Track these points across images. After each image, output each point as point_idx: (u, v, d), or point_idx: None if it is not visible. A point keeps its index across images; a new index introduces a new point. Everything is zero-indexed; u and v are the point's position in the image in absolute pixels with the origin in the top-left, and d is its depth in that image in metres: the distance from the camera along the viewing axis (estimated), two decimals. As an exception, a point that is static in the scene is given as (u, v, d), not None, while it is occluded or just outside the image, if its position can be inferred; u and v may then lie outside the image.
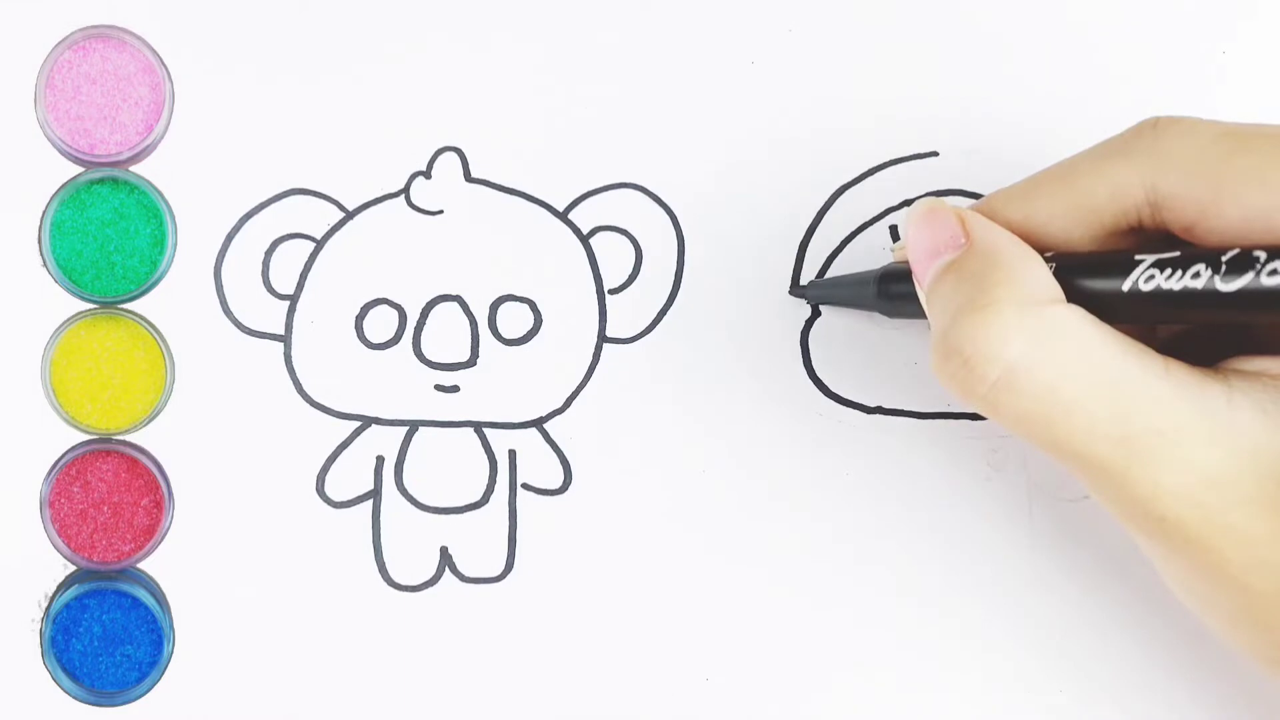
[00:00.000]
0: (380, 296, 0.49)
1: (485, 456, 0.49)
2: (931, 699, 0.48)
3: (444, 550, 0.49)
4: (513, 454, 0.49)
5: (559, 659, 0.48)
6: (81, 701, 0.48)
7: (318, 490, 0.49)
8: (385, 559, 0.49)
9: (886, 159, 0.49)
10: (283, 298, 0.49)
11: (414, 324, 0.49)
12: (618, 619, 0.48)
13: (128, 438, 0.49)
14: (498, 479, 0.49)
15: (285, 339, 0.49)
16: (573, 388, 0.49)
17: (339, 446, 0.49)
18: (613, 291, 0.49)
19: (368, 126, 0.49)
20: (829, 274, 0.49)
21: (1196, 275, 0.37)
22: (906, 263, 0.43)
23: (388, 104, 0.49)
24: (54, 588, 0.48)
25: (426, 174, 0.49)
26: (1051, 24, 0.49)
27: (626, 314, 0.49)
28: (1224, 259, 0.37)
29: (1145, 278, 0.38)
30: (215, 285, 0.49)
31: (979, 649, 0.48)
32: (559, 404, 0.49)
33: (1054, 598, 0.48)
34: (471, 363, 0.49)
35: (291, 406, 0.49)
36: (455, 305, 0.49)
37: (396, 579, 0.49)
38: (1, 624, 0.48)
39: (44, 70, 0.48)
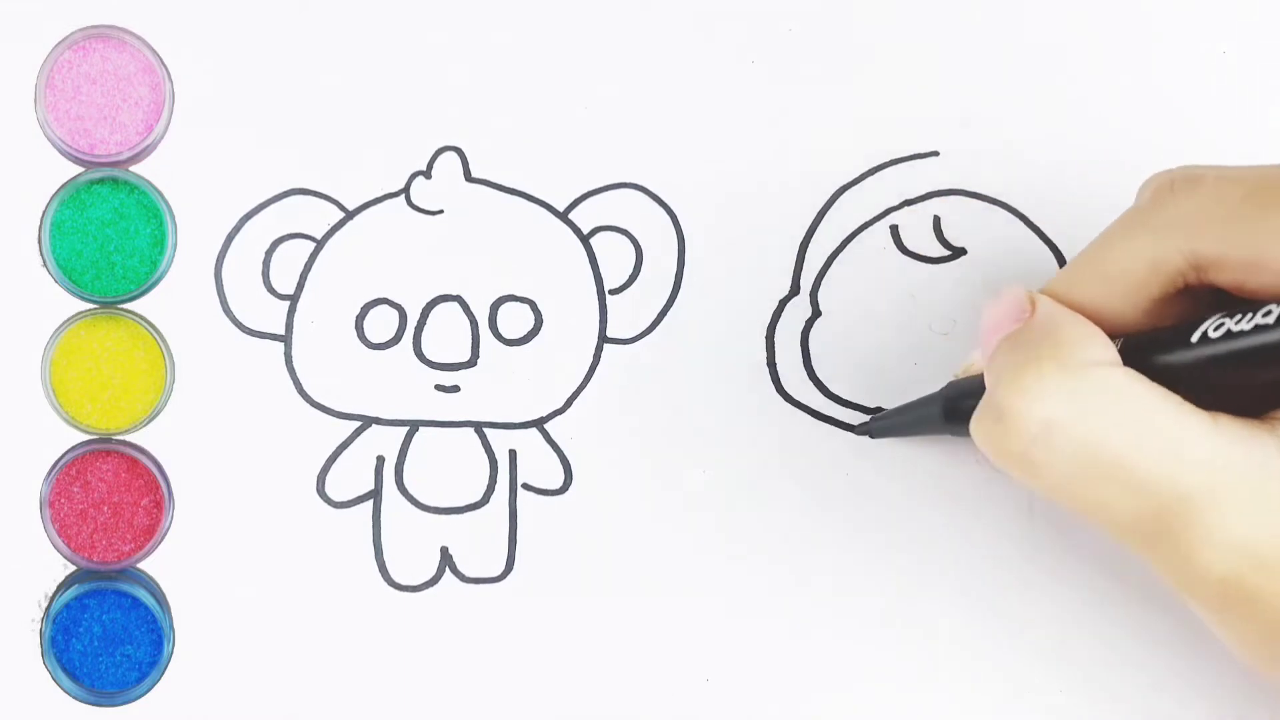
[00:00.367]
0: (380, 296, 0.49)
1: (485, 456, 0.49)
2: (931, 699, 0.48)
3: (444, 550, 0.49)
4: (513, 454, 0.49)
5: (559, 659, 0.48)
6: (81, 701, 0.48)
7: (318, 490, 0.48)
8: (385, 559, 0.49)
9: (886, 159, 0.49)
10: (283, 298, 0.49)
11: (414, 324, 0.49)
12: (618, 619, 0.48)
13: (128, 438, 0.49)
14: (498, 479, 0.49)
15: (285, 339, 0.49)
16: (573, 388, 0.49)
17: (339, 446, 0.49)
18: (613, 291, 0.49)
19: (368, 126, 0.49)
20: (833, 270, 0.49)
21: (1269, 313, 0.36)
22: (970, 378, 0.43)
23: (388, 104, 0.49)
24: (54, 588, 0.48)
25: (426, 174, 0.49)
26: (1051, 24, 0.49)
27: (626, 314, 0.49)
28: None
29: (1214, 326, 0.37)
30: (215, 285, 0.49)
31: (979, 649, 0.48)
32: (559, 404, 0.49)
33: (1054, 598, 0.48)
34: (472, 363, 0.49)
35: (292, 406, 0.49)
36: (455, 305, 0.49)
37: (396, 579, 0.49)
38: (1, 624, 0.48)
39: (44, 70, 0.48)
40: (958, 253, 0.49)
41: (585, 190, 0.49)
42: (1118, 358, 0.39)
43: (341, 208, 0.49)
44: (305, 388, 0.49)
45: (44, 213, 0.48)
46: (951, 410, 0.45)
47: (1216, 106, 0.49)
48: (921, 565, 0.48)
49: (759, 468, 0.49)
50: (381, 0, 0.49)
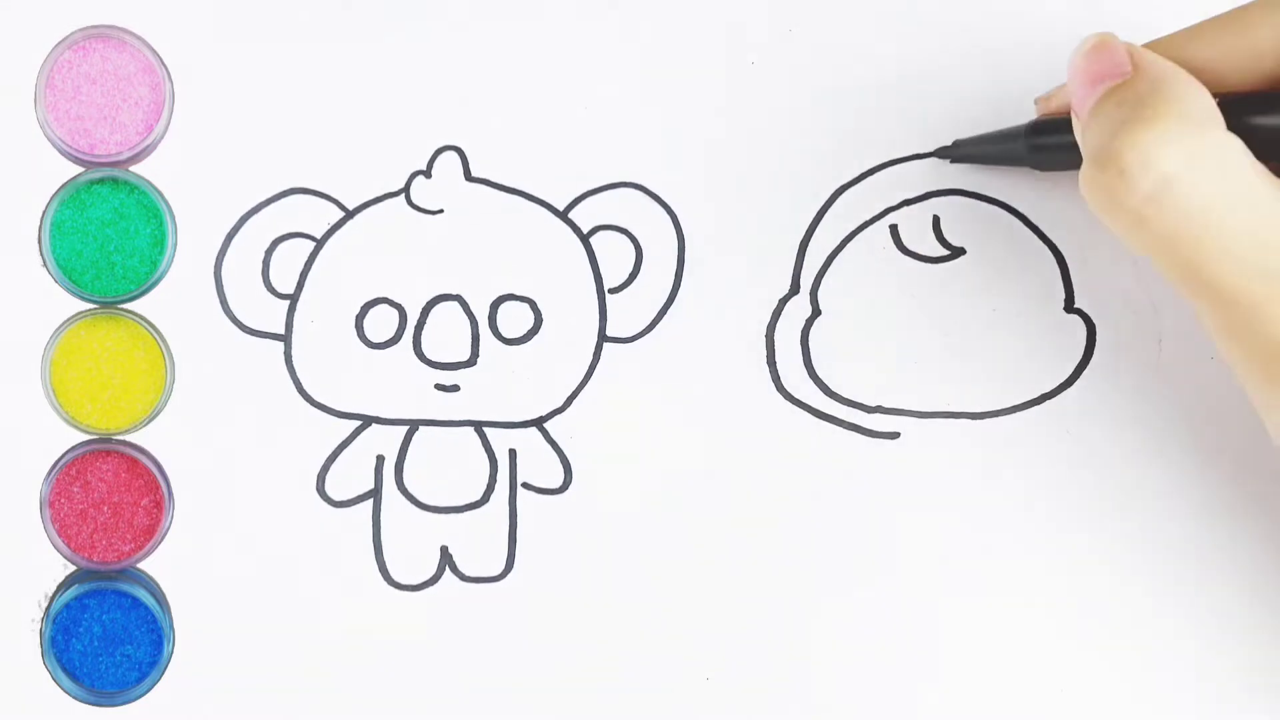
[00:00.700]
0: (380, 296, 0.49)
1: (485, 456, 0.49)
2: (931, 699, 0.48)
3: (444, 550, 0.49)
4: (513, 453, 0.49)
5: (559, 659, 0.48)
6: (81, 701, 0.48)
7: (318, 490, 0.48)
8: (385, 558, 0.49)
9: (886, 159, 0.49)
10: (283, 297, 0.49)
11: (414, 323, 0.49)
12: (618, 619, 0.48)
13: (128, 438, 0.49)
14: (498, 478, 0.49)
15: (285, 338, 0.49)
16: (573, 387, 0.49)
17: (339, 446, 0.49)
18: (613, 291, 0.49)
19: (368, 126, 0.49)
20: (833, 270, 0.49)
21: None
22: (1055, 114, 0.44)
23: (388, 104, 0.49)
24: (54, 588, 0.48)
25: (426, 173, 0.49)
26: (1051, 24, 0.49)
27: (626, 314, 0.49)
28: None
29: None
30: (215, 285, 0.49)
31: (979, 648, 0.48)
32: (559, 403, 0.49)
33: (1055, 597, 0.48)
34: (472, 362, 0.49)
35: (291, 406, 0.49)
36: (455, 305, 0.49)
37: (396, 578, 0.49)
38: (1, 624, 0.48)
39: (44, 70, 0.48)
40: (957, 252, 0.49)
41: (585, 190, 0.49)
42: (1222, 121, 0.39)
43: (341, 207, 0.49)
44: (305, 387, 0.49)
45: (44, 213, 0.48)
46: (1035, 144, 0.46)
47: (1216, 106, 0.49)
48: (922, 564, 0.48)
49: (759, 468, 0.49)
50: (381, 0, 0.49)
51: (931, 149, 0.49)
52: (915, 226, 0.49)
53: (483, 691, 0.48)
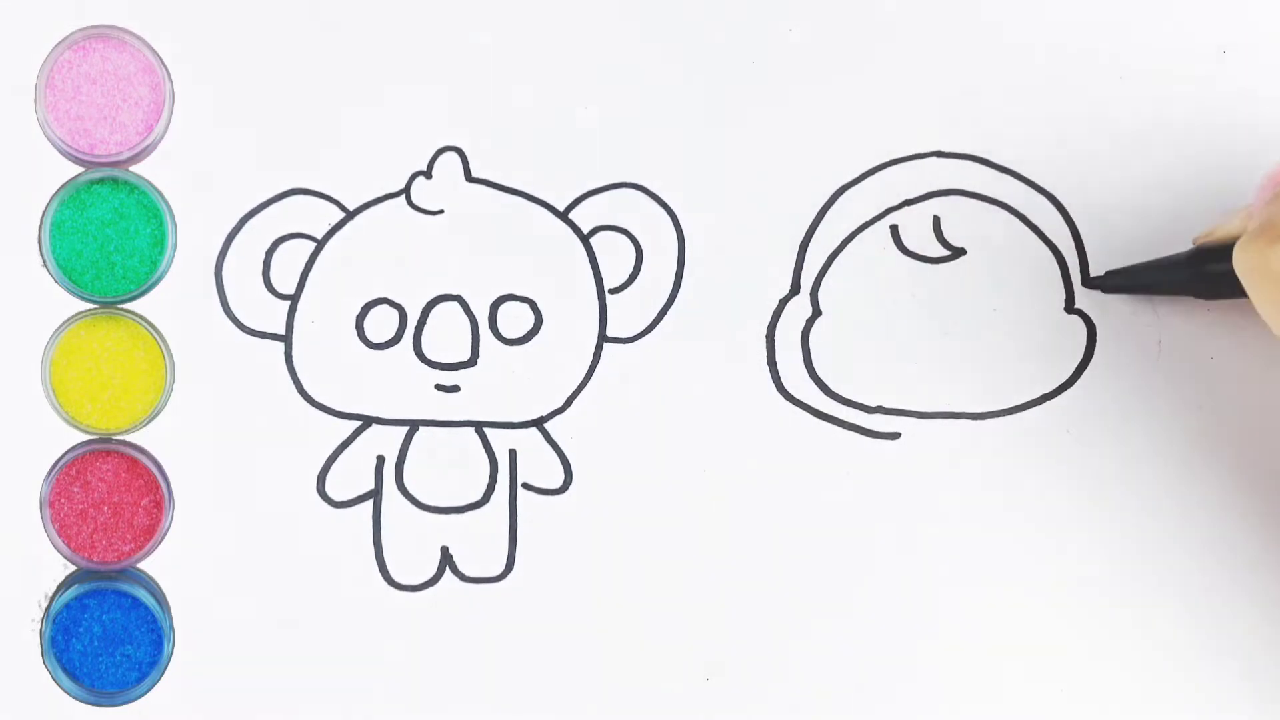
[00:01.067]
0: (380, 296, 0.49)
1: (485, 456, 0.49)
2: (932, 698, 0.48)
3: (444, 550, 0.49)
4: (513, 454, 0.49)
5: (559, 659, 0.48)
6: (81, 701, 0.48)
7: (318, 490, 0.48)
8: (385, 559, 0.49)
9: (886, 159, 0.49)
10: (283, 298, 0.49)
11: (414, 324, 0.49)
12: (618, 619, 0.48)
13: (128, 438, 0.49)
14: (498, 479, 0.49)
15: (286, 339, 0.49)
16: (573, 388, 0.49)
17: (339, 446, 0.49)
18: (613, 291, 0.49)
19: (368, 126, 0.49)
20: (833, 270, 0.49)
21: None
22: (1218, 242, 0.44)
23: (388, 104, 0.49)
24: (54, 588, 0.48)
25: (427, 174, 0.49)
26: (1052, 24, 0.49)
27: (626, 314, 0.49)
28: None
29: None
30: (215, 285, 0.49)
31: (979, 648, 0.48)
32: (559, 404, 0.49)
33: (1056, 597, 0.48)
34: (472, 362, 0.49)
35: (292, 406, 0.49)
36: (455, 305, 0.49)
37: (397, 579, 0.49)
38: (1, 624, 0.48)
39: (44, 70, 0.48)
40: (957, 253, 0.49)
41: (585, 190, 0.49)
42: None
43: (342, 208, 0.49)
44: (305, 388, 0.49)
45: (44, 213, 0.48)
46: (1199, 272, 0.46)
47: (1216, 106, 0.49)
48: (922, 564, 0.48)
49: (759, 467, 0.49)
50: (381, 1, 0.49)
51: (931, 149, 0.49)
52: (915, 226, 0.49)
53: (483, 691, 0.48)
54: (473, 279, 0.49)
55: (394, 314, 0.49)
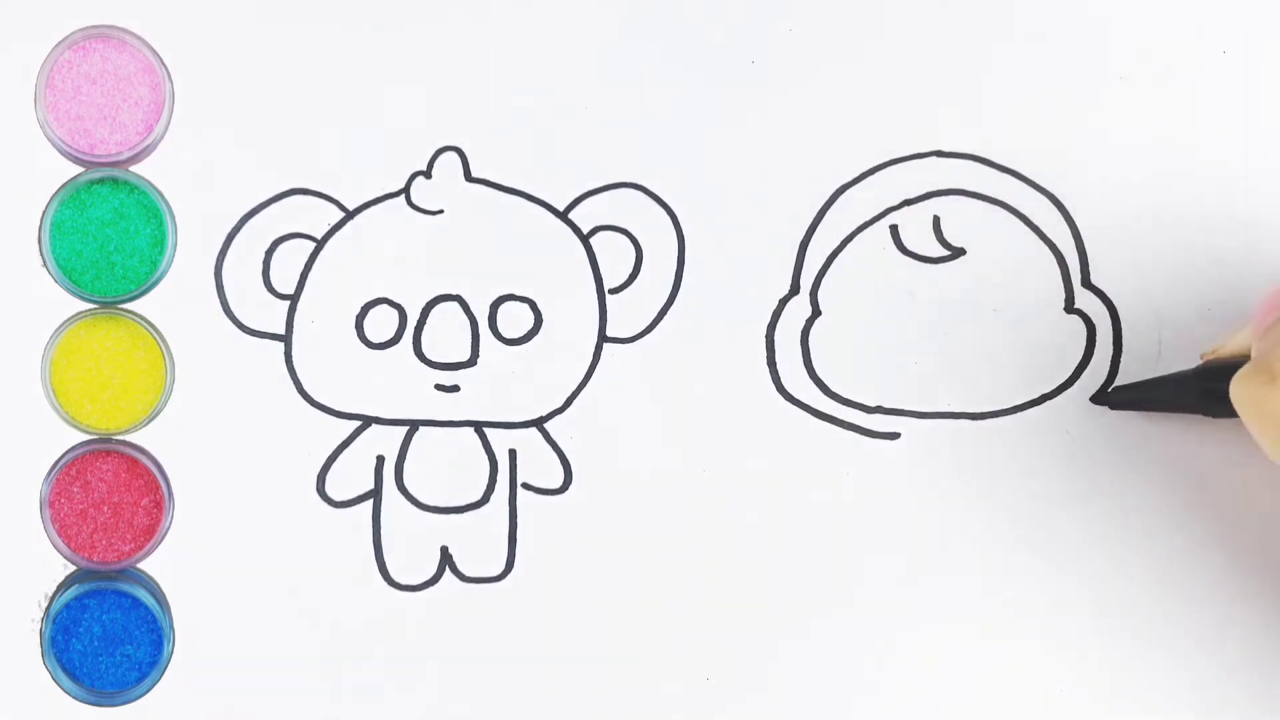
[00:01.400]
0: (380, 296, 0.49)
1: (485, 456, 0.49)
2: (931, 699, 0.48)
3: (444, 550, 0.49)
4: (513, 454, 0.49)
5: (559, 659, 0.48)
6: (81, 701, 0.48)
7: (318, 490, 0.48)
8: (385, 559, 0.49)
9: (886, 159, 0.49)
10: (283, 297, 0.49)
11: (414, 324, 0.49)
12: (618, 619, 0.48)
13: (128, 438, 0.49)
14: (498, 479, 0.49)
15: (285, 339, 0.49)
16: (573, 388, 0.49)
17: (339, 446, 0.49)
18: (613, 291, 0.49)
19: (368, 126, 0.49)
20: (833, 270, 0.49)
21: None
22: (1223, 360, 0.44)
23: (388, 104, 0.49)
24: (54, 588, 0.48)
25: (426, 174, 0.49)
26: (1052, 24, 0.49)
27: (626, 314, 0.49)
28: None
29: None
30: (215, 285, 0.49)
31: (979, 649, 0.48)
32: (559, 404, 0.49)
33: (1056, 597, 0.48)
34: (471, 362, 0.49)
35: (292, 406, 0.49)
36: (455, 305, 0.49)
37: (396, 579, 0.49)
38: (1, 624, 0.48)
39: (44, 70, 0.48)
40: (957, 253, 0.49)
41: (585, 190, 0.49)
42: None
43: (341, 208, 0.49)
44: (305, 387, 0.49)
45: (44, 213, 0.48)
46: (1207, 390, 0.45)
47: (1216, 106, 0.49)
48: (922, 564, 0.48)
49: (759, 468, 0.49)
50: (381, 1, 0.49)
51: (931, 149, 0.49)
52: (915, 226, 0.49)
53: (483, 691, 0.48)
54: (473, 279, 0.49)
55: (394, 314, 0.49)
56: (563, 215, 0.49)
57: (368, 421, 0.49)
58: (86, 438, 0.48)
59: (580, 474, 0.49)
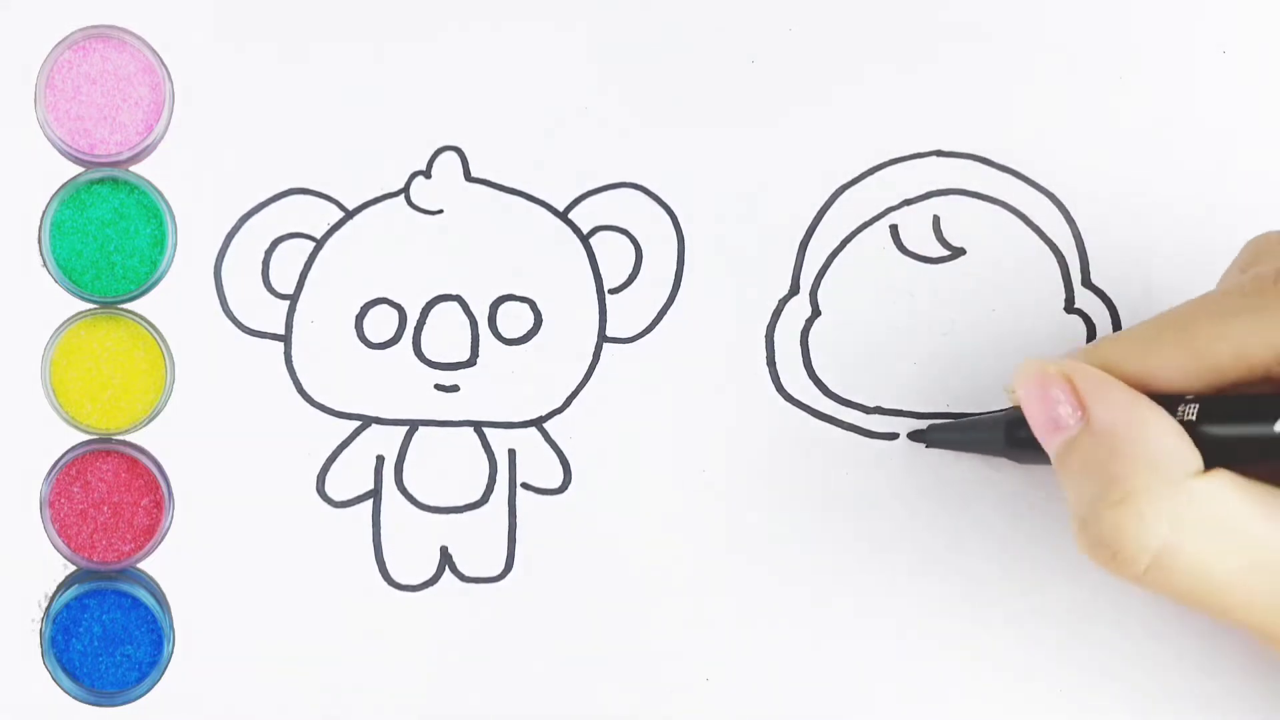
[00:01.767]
0: (380, 296, 0.49)
1: (485, 456, 0.49)
2: (932, 699, 0.48)
3: (444, 550, 0.49)
4: (512, 454, 0.49)
5: (559, 659, 0.48)
6: (81, 701, 0.48)
7: (318, 490, 0.49)
8: (385, 559, 0.49)
9: (886, 159, 0.49)
10: (283, 297, 0.49)
11: (414, 324, 0.49)
12: (617, 619, 0.48)
13: (128, 438, 0.49)
14: (498, 479, 0.49)
15: (285, 339, 0.49)
16: (573, 388, 0.49)
17: (339, 446, 0.49)
18: (613, 291, 0.49)
19: (368, 126, 0.49)
20: (833, 270, 0.49)
21: None
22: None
23: (388, 104, 0.49)
24: (54, 588, 0.48)
25: (426, 174, 0.49)
26: (1051, 24, 0.49)
27: (626, 314, 0.49)
28: None
29: None
30: (215, 285, 0.49)
31: (980, 649, 0.48)
32: (559, 404, 0.49)
33: (1056, 597, 0.48)
34: (471, 362, 0.49)
35: (291, 406, 0.49)
36: (455, 305, 0.49)
37: (396, 579, 0.49)
38: (1, 624, 0.48)
39: (44, 70, 0.48)
40: (957, 253, 0.49)
41: (585, 190, 0.49)
42: (1196, 459, 0.38)
43: (341, 208, 0.49)
44: (305, 387, 0.49)
45: (44, 213, 0.48)
46: (1014, 439, 0.44)
47: (1216, 106, 0.49)
48: (922, 565, 0.48)
49: (759, 468, 0.49)
50: (381, 1, 0.49)
51: (931, 149, 0.49)
52: (915, 226, 0.49)
53: (483, 691, 0.48)
54: (472, 279, 0.49)
55: (393, 314, 0.49)
56: (563, 215, 0.49)
57: (367, 421, 0.49)
58: (86, 438, 0.48)
59: (580, 474, 0.49)
